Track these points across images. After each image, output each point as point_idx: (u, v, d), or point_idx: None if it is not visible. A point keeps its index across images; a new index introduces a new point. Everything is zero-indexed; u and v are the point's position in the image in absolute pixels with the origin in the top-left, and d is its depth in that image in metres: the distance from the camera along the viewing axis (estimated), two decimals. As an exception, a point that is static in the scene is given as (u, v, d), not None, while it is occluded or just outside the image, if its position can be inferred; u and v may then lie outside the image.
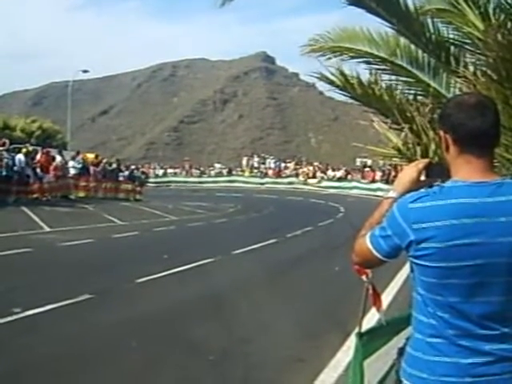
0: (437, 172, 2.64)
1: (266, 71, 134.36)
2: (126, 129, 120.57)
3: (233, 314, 9.07)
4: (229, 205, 32.37)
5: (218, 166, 64.37)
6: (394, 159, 5.01)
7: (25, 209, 23.04)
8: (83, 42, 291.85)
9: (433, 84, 5.79)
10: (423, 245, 2.30)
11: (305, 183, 53.02)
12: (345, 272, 12.83)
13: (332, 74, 5.58)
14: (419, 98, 5.84)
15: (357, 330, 3.57)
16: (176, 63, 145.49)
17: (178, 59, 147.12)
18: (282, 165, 60.18)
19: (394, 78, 6.06)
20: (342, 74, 5.47)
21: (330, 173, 54.62)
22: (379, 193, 44.65)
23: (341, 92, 5.70)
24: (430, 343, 2.37)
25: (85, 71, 48.26)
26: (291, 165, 59.30)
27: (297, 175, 54.84)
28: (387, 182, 46.40)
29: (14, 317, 7.91)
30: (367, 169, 52.50)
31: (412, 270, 2.46)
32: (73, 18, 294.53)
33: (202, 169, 63.14)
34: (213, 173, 61.02)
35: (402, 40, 6.10)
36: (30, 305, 8.42)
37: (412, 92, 6.00)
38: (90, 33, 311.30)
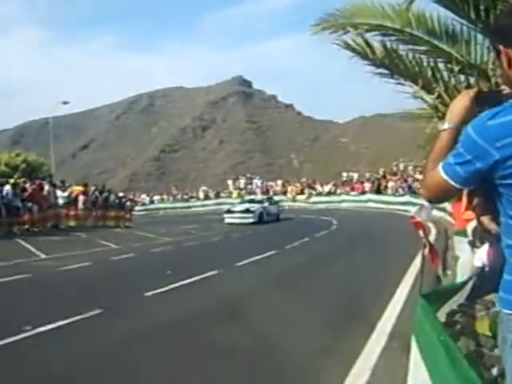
0: (487, 100, 2.53)
1: (243, 95, 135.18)
2: (108, 162, 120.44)
3: (251, 318, 8.88)
4: (221, 225, 32.17)
5: (204, 188, 64.17)
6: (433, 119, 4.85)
7: (17, 240, 22.75)
8: (58, 79, 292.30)
9: (453, 52, 5.64)
10: (510, 162, 2.16)
11: (294, 200, 52.90)
12: (352, 275, 12.95)
13: (355, 43, 5.41)
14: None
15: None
16: (153, 93, 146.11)
17: (155, 89, 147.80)
18: (269, 183, 60.28)
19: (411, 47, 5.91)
20: (367, 42, 5.31)
21: (319, 188, 54.66)
22: (370, 204, 44.77)
23: (364, 62, 5.52)
24: None
25: (65, 103, 47.82)
26: (279, 182, 59.37)
27: (285, 193, 54.83)
28: (378, 191, 46.50)
29: (26, 334, 7.65)
30: (355, 181, 52.80)
31: (498, 196, 2.30)
32: (46, 55, 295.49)
33: (190, 194, 62.97)
34: (201, 195, 60.78)
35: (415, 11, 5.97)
36: (40, 322, 8.17)
37: (432, 60, 5.86)
38: (64, 68, 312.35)
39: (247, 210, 34.98)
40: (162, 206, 59.24)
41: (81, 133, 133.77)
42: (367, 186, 48.96)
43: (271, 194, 52.34)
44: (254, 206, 35.68)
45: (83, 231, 28.09)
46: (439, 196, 2.56)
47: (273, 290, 11.49)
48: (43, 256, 17.60)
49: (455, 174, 2.32)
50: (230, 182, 66.12)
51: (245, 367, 6.30)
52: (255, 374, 6.07)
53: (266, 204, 37.27)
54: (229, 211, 36.20)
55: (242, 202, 39.67)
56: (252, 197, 44.96)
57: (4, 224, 24.71)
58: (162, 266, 15.14)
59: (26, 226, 26.28)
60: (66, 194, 31.30)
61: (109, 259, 16.67)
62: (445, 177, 2.35)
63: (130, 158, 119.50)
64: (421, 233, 3.30)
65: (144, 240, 23.47)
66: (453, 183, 2.34)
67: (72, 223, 30.70)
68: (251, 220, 33.83)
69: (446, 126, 2.53)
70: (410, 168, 49.03)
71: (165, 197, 62.53)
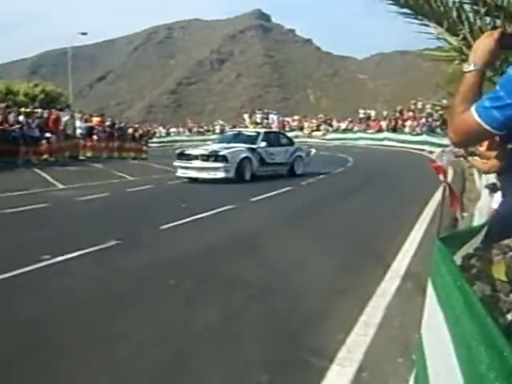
0: (510, 42, 2.52)
1: (261, 29, 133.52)
2: (125, 93, 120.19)
3: (266, 252, 8.93)
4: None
5: (221, 122, 64.03)
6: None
7: (35, 169, 23.03)
8: (77, 9, 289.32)
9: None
10: None
11: (309, 136, 52.58)
12: (367, 212, 12.98)
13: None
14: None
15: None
16: (171, 25, 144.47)
17: (173, 21, 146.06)
18: (286, 119, 59.96)
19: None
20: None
21: (335, 124, 54.34)
22: (386, 142, 44.43)
23: (388, 2, 5.37)
24: None
25: (83, 33, 47.32)
26: (297, 117, 59.03)
27: (301, 129, 54.54)
28: (394, 130, 46.11)
29: (45, 263, 7.75)
30: (372, 118, 52.35)
31: None
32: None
33: (205, 127, 62.83)
34: (217, 129, 60.59)
35: None
36: (58, 252, 8.27)
37: (457, 0, 5.71)
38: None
39: (214, 155, 19.73)
40: (177, 138, 59.16)
41: (98, 64, 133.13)
42: (384, 124, 48.56)
43: (287, 128, 52.00)
44: (233, 148, 20.42)
45: (100, 162, 28.40)
46: (468, 140, 2.56)
47: (288, 225, 11.50)
48: (60, 186, 17.81)
49: (491, 117, 2.26)
50: (246, 116, 65.82)
51: (257, 300, 6.36)
52: (267, 309, 6.13)
53: (262, 145, 21.20)
54: (182, 155, 20.69)
55: (220, 141, 23.51)
56: (240, 129, 29.81)
57: (22, 153, 24.93)
58: (177, 199, 15.25)
59: (44, 156, 26.47)
60: (83, 124, 31.43)
61: (125, 191, 16.81)
62: (478, 120, 2.29)
63: (147, 89, 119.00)
64: (441, 177, 3.28)
65: (160, 172, 23.57)
66: (487, 127, 2.28)
67: (89, 153, 30.95)
68: (221, 174, 19.41)
69: (471, 67, 2.49)
70: (428, 106, 48.49)
71: (181, 129, 62.40)
